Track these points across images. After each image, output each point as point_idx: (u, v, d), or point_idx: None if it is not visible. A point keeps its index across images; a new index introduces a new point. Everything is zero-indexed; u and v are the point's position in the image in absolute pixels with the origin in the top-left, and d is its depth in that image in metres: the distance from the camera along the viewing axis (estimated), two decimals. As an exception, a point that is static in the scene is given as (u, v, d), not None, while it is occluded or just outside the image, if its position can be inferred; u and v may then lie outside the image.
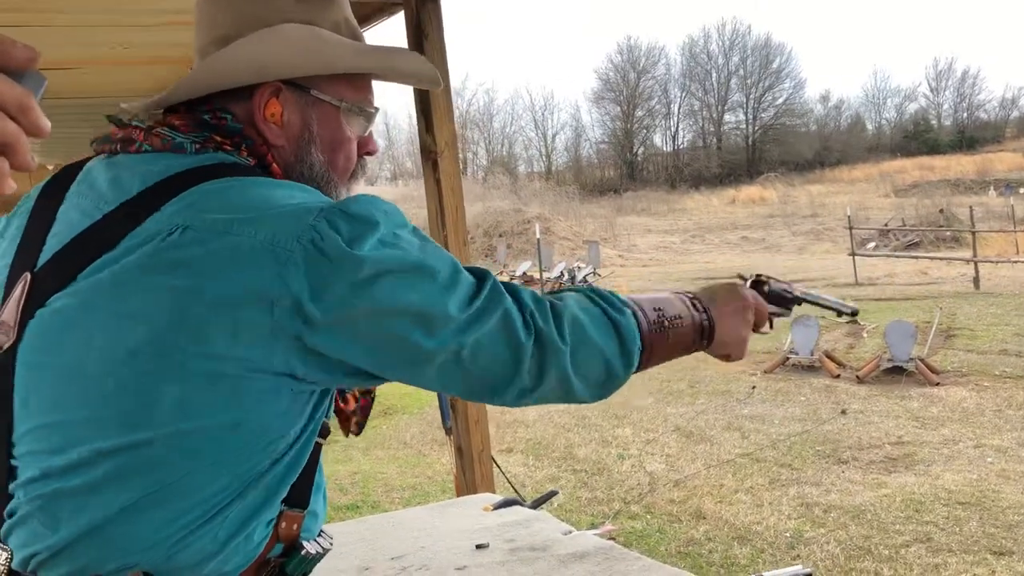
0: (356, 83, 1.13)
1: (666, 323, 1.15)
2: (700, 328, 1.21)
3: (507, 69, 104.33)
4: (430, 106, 3.45)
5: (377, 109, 1.16)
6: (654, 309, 1.14)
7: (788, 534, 5.32)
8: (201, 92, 1.06)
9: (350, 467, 7.08)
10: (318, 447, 1.07)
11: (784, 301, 1.52)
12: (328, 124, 1.10)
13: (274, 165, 1.06)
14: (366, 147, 1.17)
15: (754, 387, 9.36)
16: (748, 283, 1.49)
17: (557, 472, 6.85)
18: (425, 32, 3.39)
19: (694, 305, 1.21)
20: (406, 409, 9.26)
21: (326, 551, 1.14)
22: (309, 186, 1.04)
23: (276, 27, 1.04)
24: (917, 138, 55.46)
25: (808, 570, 3.24)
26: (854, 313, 1.66)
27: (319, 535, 1.15)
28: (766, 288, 1.49)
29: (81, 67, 4.46)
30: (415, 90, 3.54)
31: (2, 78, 0.58)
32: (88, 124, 6.22)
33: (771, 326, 1.48)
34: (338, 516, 5.77)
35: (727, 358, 1.29)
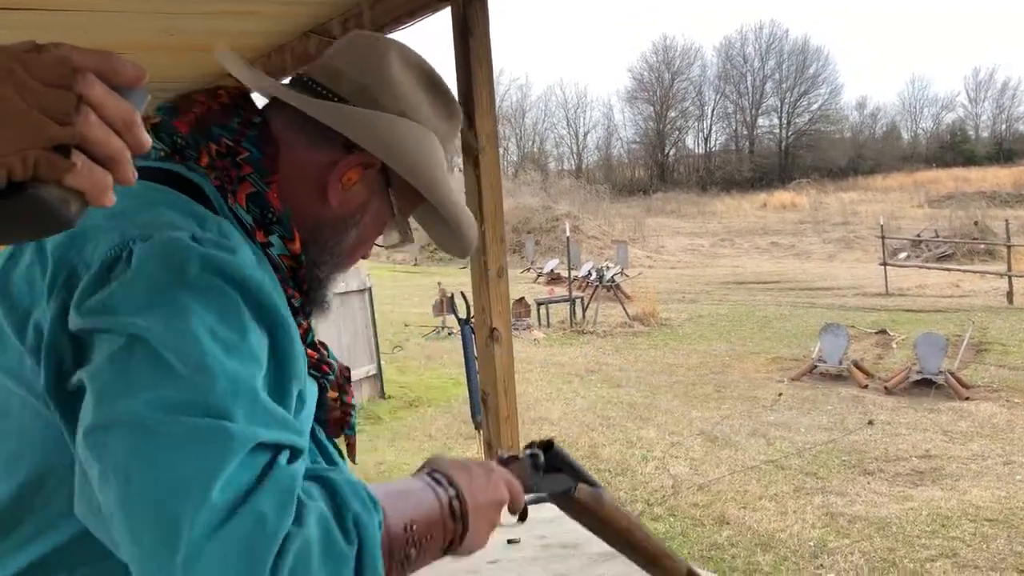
0: (412, 205, 1.15)
1: (414, 549, 0.90)
2: (450, 540, 0.95)
3: (542, 65, 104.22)
4: (472, 101, 3.45)
5: (413, 241, 1.19)
6: (405, 527, 0.89)
7: (812, 543, 5.29)
8: (332, 122, 1.04)
9: (376, 457, 7.12)
10: None
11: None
12: (376, 221, 1.12)
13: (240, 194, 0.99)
14: (366, 252, 1.18)
15: (780, 394, 9.31)
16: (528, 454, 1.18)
17: (581, 471, 6.86)
18: (471, 29, 3.39)
19: (451, 508, 0.95)
20: (432, 402, 9.31)
21: None
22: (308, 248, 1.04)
23: (431, 133, 1.10)
24: (953, 149, 54.82)
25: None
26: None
27: None
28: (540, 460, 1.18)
29: (125, 52, 4.49)
30: (459, 84, 3.56)
31: (112, 94, 0.60)
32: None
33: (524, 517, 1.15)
34: (363, 505, 5.81)
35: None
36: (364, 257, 1.17)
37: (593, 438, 7.73)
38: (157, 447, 0.74)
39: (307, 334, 1.07)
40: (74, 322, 0.81)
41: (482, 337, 3.57)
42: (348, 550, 0.80)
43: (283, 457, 0.80)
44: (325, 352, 1.13)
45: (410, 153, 1.07)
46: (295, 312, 1.02)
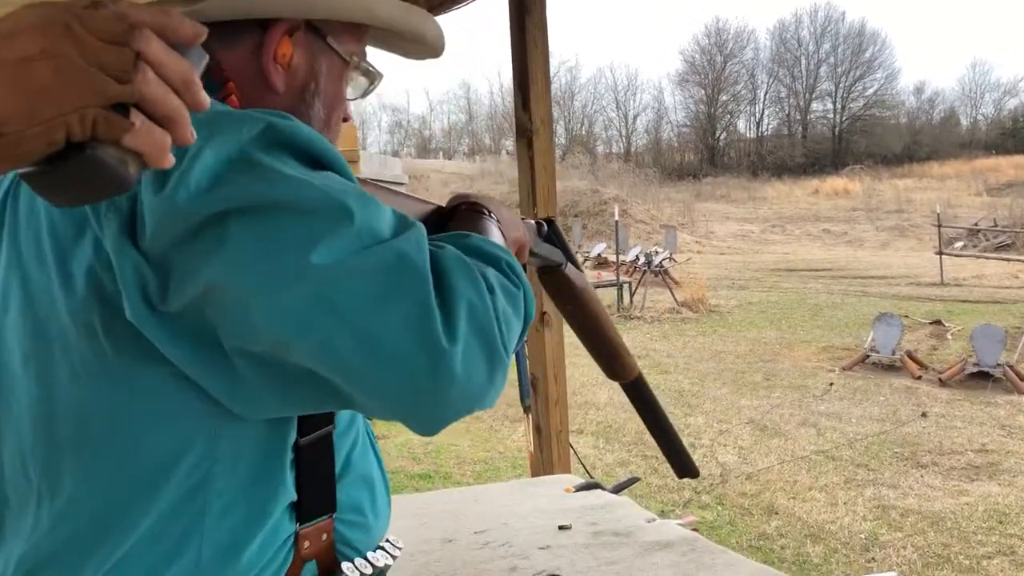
0: (361, 40, 1.00)
1: None
2: None
3: (592, 47, 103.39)
4: (528, 82, 3.42)
5: (382, 75, 1.04)
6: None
7: (863, 536, 5.20)
8: (230, 12, 0.90)
9: (423, 437, 7.15)
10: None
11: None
12: (334, 79, 0.97)
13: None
14: (344, 113, 1.03)
15: (832, 384, 9.16)
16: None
17: (628, 456, 6.82)
18: (528, 8, 3.36)
19: (503, 235, 1.02)
20: (477, 384, 9.30)
21: (382, 570, 0.99)
22: None
23: None
24: (1015, 136, 53.26)
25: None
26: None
27: (382, 545, 1.01)
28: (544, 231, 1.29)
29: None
30: (514, 65, 3.52)
31: (170, 51, 0.58)
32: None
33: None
34: (411, 484, 5.85)
35: None
36: (346, 119, 1.03)
37: (640, 425, 7.64)
38: (365, 287, 0.72)
39: None
40: (170, 226, 0.71)
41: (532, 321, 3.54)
42: (519, 293, 0.87)
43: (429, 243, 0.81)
44: None
45: None
46: None
